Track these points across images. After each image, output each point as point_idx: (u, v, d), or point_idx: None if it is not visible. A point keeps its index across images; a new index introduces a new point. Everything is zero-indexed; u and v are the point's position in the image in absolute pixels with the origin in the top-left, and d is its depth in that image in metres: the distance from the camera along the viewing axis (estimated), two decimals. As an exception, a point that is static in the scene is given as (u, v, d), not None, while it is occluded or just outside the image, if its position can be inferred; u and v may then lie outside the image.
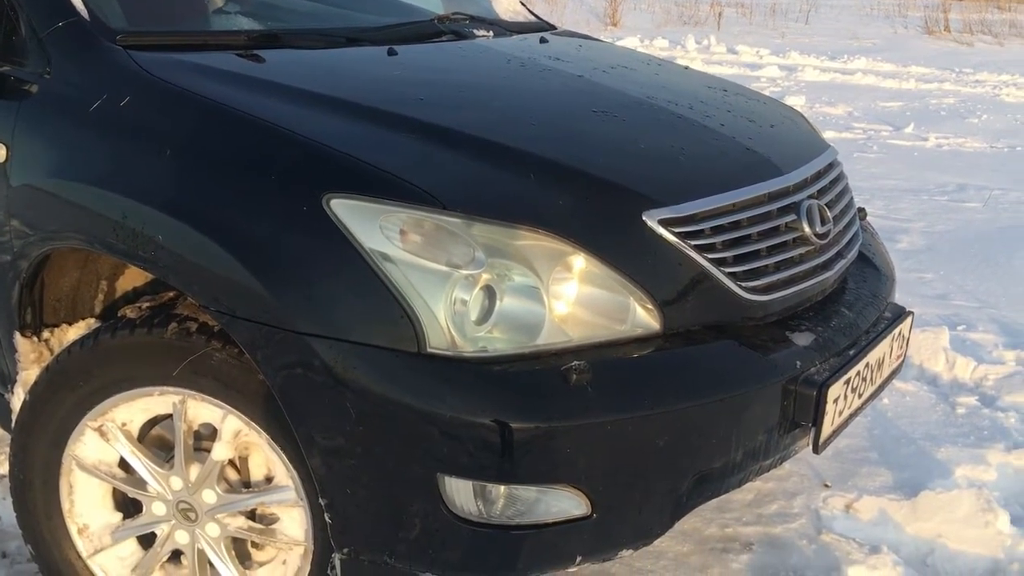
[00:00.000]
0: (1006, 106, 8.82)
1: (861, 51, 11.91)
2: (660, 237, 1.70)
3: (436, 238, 1.57)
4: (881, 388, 2.07)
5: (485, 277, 1.58)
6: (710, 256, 1.74)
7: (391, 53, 2.16)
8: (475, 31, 2.52)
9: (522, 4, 3.02)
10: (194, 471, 1.80)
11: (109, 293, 2.03)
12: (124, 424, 1.83)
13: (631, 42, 11.66)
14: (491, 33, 2.55)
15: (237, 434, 1.77)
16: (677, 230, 1.72)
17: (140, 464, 1.83)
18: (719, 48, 11.74)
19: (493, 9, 2.86)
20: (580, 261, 1.64)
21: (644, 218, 1.70)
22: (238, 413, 1.73)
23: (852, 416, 1.93)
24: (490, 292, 1.59)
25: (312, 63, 2.07)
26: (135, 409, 1.81)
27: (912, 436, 2.85)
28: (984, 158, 6.71)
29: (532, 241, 1.61)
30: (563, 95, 2.14)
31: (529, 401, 1.55)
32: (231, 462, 1.84)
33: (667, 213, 1.72)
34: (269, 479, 1.82)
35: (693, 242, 1.73)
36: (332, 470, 1.60)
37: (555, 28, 2.92)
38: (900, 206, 5.31)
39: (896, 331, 2.07)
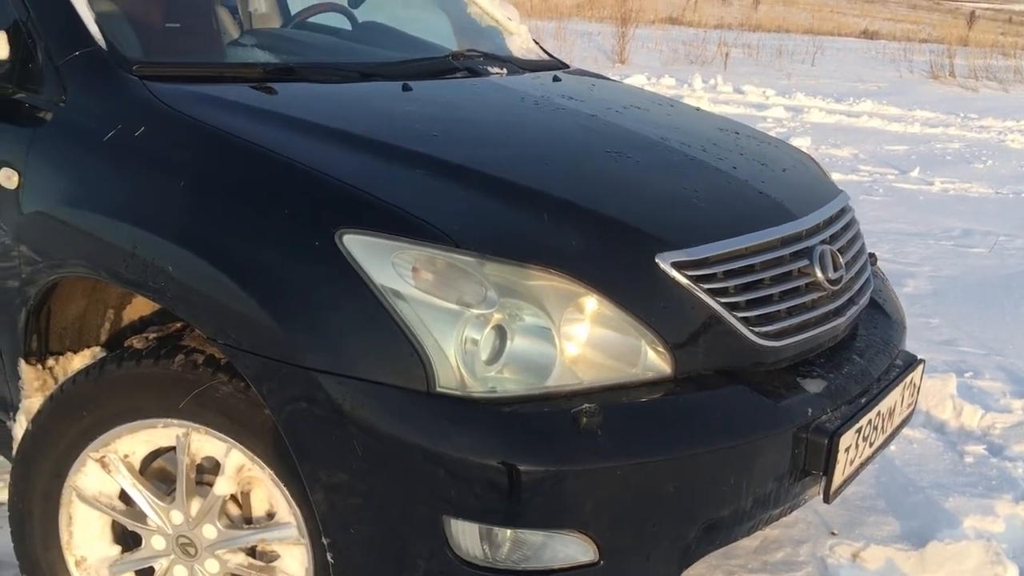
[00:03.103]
0: (1011, 152, 8.86)
1: (867, 94, 11.99)
2: (673, 280, 1.69)
3: (448, 276, 1.56)
4: (892, 437, 2.05)
5: (497, 317, 1.57)
6: (723, 300, 1.73)
7: (406, 89, 2.17)
8: (489, 68, 2.53)
9: (535, 43, 3.04)
10: (195, 505, 1.78)
11: (116, 322, 2.02)
12: (126, 456, 1.80)
13: (638, 80, 11.74)
14: (505, 71, 2.56)
15: (240, 469, 1.74)
16: (690, 273, 1.71)
17: (141, 497, 1.81)
18: (726, 87, 11.81)
19: (507, 47, 2.87)
20: (592, 302, 1.62)
21: (657, 260, 1.69)
22: (242, 447, 1.71)
23: (863, 465, 1.91)
24: (501, 332, 1.57)
25: (327, 97, 2.07)
26: (138, 441, 1.79)
27: (920, 484, 2.81)
28: (989, 203, 6.72)
29: (544, 281, 1.60)
30: (576, 134, 2.14)
31: (538, 444, 1.53)
32: (233, 497, 1.81)
33: (680, 256, 1.71)
34: (271, 515, 1.79)
35: (706, 285, 1.72)
36: (336, 508, 1.58)
37: (568, 67, 2.93)
38: (906, 250, 5.31)
39: (907, 379, 2.05)
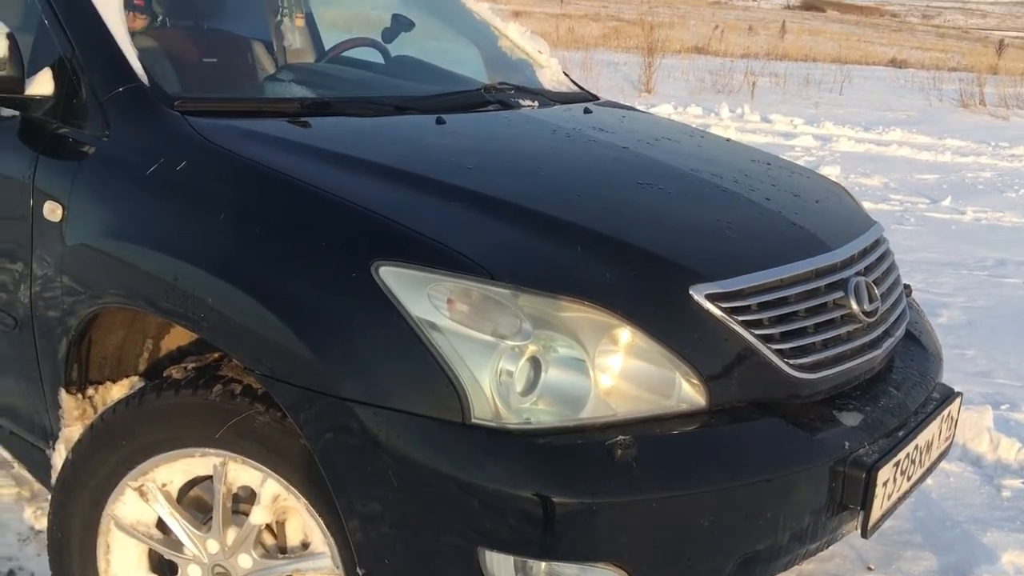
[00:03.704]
0: (1044, 181, 8.76)
1: (896, 123, 11.92)
2: (707, 312, 1.69)
3: (483, 308, 1.57)
4: (929, 471, 2.03)
5: (531, 348, 1.57)
6: (757, 332, 1.73)
7: (439, 122, 2.19)
8: (521, 101, 2.56)
9: (566, 75, 3.07)
10: (231, 534, 1.79)
11: (154, 352, 2.05)
12: (164, 485, 1.82)
13: (665, 109, 11.76)
14: (536, 103, 2.59)
15: (276, 498, 1.76)
16: (724, 305, 1.71)
17: (178, 526, 1.82)
18: (753, 116, 11.79)
19: (538, 79, 2.90)
20: (626, 334, 1.63)
21: (691, 292, 1.70)
22: (278, 477, 1.72)
23: (901, 499, 1.89)
24: (536, 364, 1.58)
25: (362, 131, 2.10)
26: (175, 470, 1.81)
27: (957, 519, 2.77)
28: (1023, 233, 6.64)
29: (579, 313, 1.61)
30: (609, 166, 2.16)
31: (574, 476, 1.53)
32: (268, 527, 1.82)
33: (714, 288, 1.71)
34: (305, 545, 1.80)
35: (740, 317, 1.71)
36: (371, 538, 1.58)
37: (598, 98, 2.95)
38: (939, 280, 5.26)
39: (945, 412, 2.02)
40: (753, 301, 1.75)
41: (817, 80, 16.04)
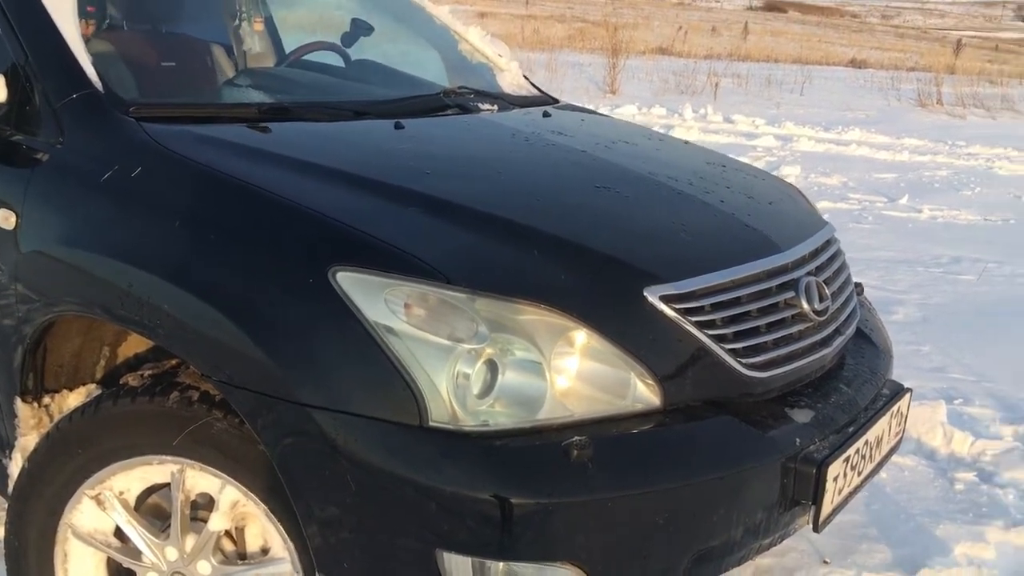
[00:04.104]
0: (999, 179, 8.95)
1: (855, 122, 12.11)
2: (661, 313, 1.72)
3: (440, 312, 1.59)
4: (880, 466, 2.08)
5: (488, 351, 1.59)
6: (710, 332, 1.76)
7: (398, 127, 2.21)
8: (480, 105, 2.58)
9: (526, 78, 3.09)
10: (190, 541, 1.79)
11: (111, 360, 2.04)
12: (121, 493, 1.82)
13: (629, 110, 11.85)
14: (495, 107, 2.61)
15: (235, 504, 1.76)
16: (678, 306, 1.74)
17: (136, 533, 1.82)
18: (716, 117, 11.92)
19: (497, 83, 2.92)
20: (582, 336, 1.65)
21: (645, 294, 1.73)
22: (236, 483, 1.72)
23: (852, 494, 1.93)
24: (492, 366, 1.60)
25: (320, 136, 2.11)
26: (133, 478, 1.80)
27: (911, 512, 2.83)
28: (978, 231, 6.79)
29: (535, 316, 1.63)
30: (566, 170, 2.18)
31: (530, 477, 1.55)
32: (227, 533, 1.83)
33: (668, 289, 1.74)
34: (265, 551, 1.80)
35: (693, 318, 1.75)
36: (329, 543, 1.59)
37: (558, 101, 2.98)
38: (895, 277, 5.36)
39: (895, 408, 2.07)
40: (706, 302, 1.78)
41: (779, 81, 16.23)
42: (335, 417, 1.55)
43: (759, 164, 8.76)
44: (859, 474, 1.94)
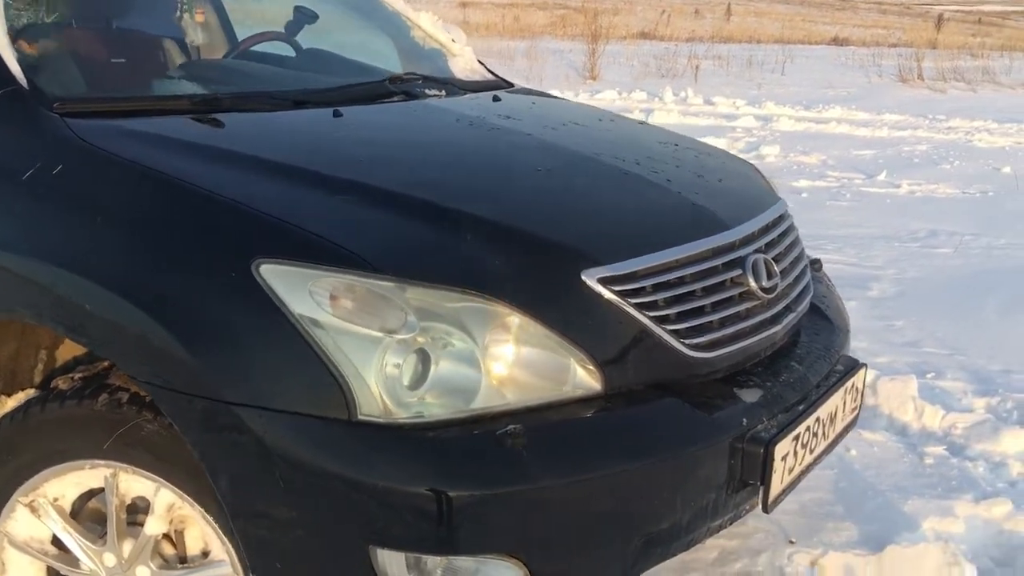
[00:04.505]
0: (978, 151, 8.92)
1: (836, 100, 12.07)
2: (600, 296, 1.69)
3: (367, 303, 1.55)
4: (835, 442, 2.04)
5: (419, 341, 1.55)
6: (652, 314, 1.72)
7: (336, 115, 2.16)
8: (427, 91, 2.53)
9: (480, 63, 3.04)
10: (127, 547, 1.75)
11: (49, 363, 1.99)
12: (56, 499, 1.78)
13: (609, 95, 11.79)
14: (443, 92, 2.56)
15: (171, 507, 1.72)
16: (617, 288, 1.70)
17: (72, 540, 1.78)
18: (696, 99, 11.86)
19: (449, 68, 2.87)
20: (517, 322, 1.61)
21: (583, 277, 1.68)
22: (171, 486, 1.69)
23: (804, 472, 1.90)
24: (424, 356, 1.56)
25: (253, 126, 2.06)
26: (67, 483, 1.76)
27: (879, 488, 2.80)
28: (956, 204, 6.76)
29: (466, 303, 1.59)
30: (508, 153, 2.14)
31: (464, 468, 1.51)
32: (167, 536, 1.79)
33: (606, 271, 1.70)
34: (206, 553, 1.77)
35: (634, 300, 1.71)
36: (261, 543, 1.56)
37: (512, 85, 2.93)
38: (872, 253, 5.33)
39: (849, 384, 2.04)
40: (647, 283, 1.74)
41: (760, 61, 16.19)
42: (261, 414, 1.51)
43: (739, 145, 8.72)
44: (811, 452, 1.90)
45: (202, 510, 1.66)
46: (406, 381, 1.54)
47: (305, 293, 1.54)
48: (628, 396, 1.68)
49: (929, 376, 3.57)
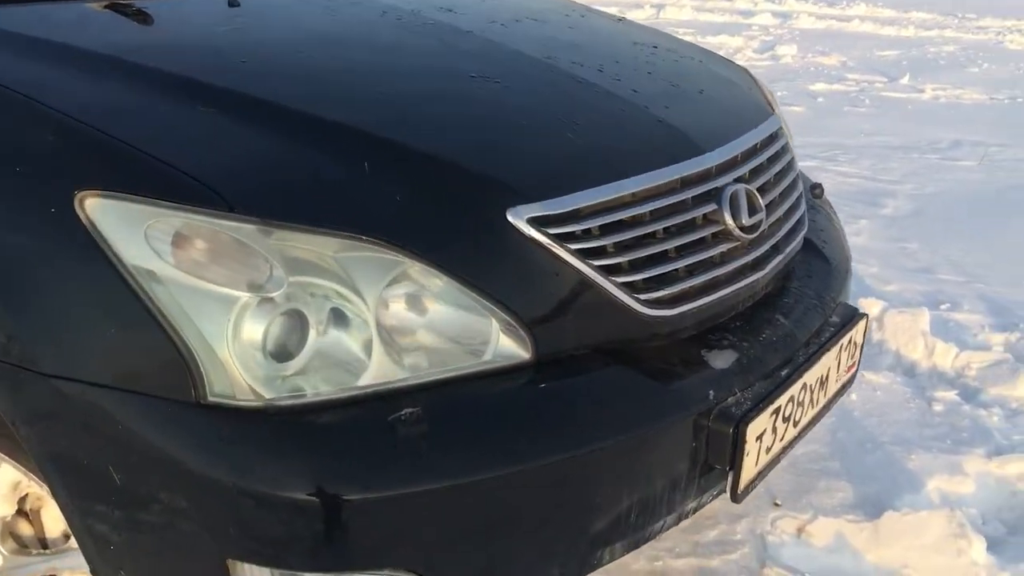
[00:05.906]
0: (1009, 54, 8.35)
1: (861, -5, 11.37)
2: (530, 240, 1.33)
3: (221, 251, 1.20)
4: (826, 408, 1.72)
5: (289, 301, 1.21)
6: (598, 262, 1.37)
7: (232, 4, 1.76)
8: (360, -25, 2.11)
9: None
10: (-31, 532, 1.47)
11: None
12: None
13: (619, -12, 11.12)
14: (381, -24, 2.14)
15: (16, 486, 1.43)
16: (552, 231, 1.35)
17: (-99, 524, 1.49)
18: (712, -6, 11.18)
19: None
20: (420, 274, 1.27)
21: (509, 217, 1.33)
22: (12, 462, 1.38)
23: (786, 449, 1.58)
24: (296, 320, 1.22)
25: (107, 15, 1.66)
26: None
27: (880, 440, 2.49)
28: (983, 111, 6.28)
29: (353, 252, 1.24)
30: (437, 57, 1.74)
31: (344, 464, 1.19)
32: (25, 516, 1.50)
33: (539, 210, 1.34)
34: (67, 536, 1.48)
35: (575, 245, 1.36)
36: (102, 549, 1.25)
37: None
38: (888, 166, 4.91)
39: (845, 340, 1.70)
40: (593, 223, 1.38)
41: (782, -48, 15.27)
42: (85, 391, 1.18)
43: (753, 44, 8.16)
44: (795, 424, 1.58)
45: (48, 490, 1.36)
46: (272, 352, 1.21)
47: (140, 237, 1.19)
48: (564, 365, 1.35)
49: (943, 307, 3.22)
